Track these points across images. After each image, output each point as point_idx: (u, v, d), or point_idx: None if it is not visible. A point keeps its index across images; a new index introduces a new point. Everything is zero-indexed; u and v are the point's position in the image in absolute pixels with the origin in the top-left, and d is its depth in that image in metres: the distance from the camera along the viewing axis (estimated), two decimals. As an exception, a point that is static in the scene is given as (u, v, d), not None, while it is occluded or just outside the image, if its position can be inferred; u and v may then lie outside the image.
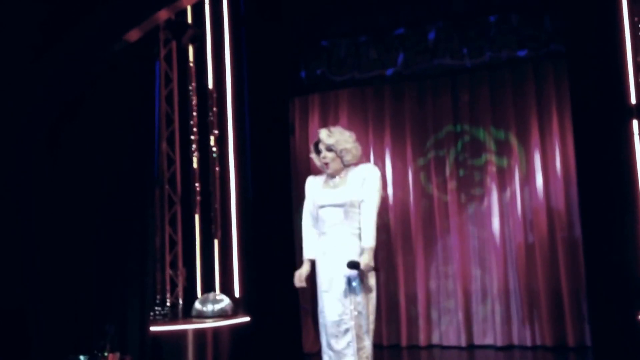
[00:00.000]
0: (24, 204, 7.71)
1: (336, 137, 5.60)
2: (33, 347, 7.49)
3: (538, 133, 8.87)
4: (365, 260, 5.28)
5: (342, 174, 5.61)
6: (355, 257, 5.32)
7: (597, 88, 6.97)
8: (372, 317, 5.47)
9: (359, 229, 5.46)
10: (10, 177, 7.60)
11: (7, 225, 7.53)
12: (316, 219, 5.63)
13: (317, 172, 5.91)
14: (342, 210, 5.49)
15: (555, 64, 8.63)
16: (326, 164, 5.61)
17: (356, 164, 5.64)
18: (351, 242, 5.46)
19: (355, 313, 5.38)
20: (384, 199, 9.25)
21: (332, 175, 5.64)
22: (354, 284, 5.37)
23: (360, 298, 5.38)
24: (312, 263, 5.62)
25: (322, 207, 5.57)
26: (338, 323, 5.41)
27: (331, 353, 5.44)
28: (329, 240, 5.54)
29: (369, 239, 5.36)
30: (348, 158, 5.61)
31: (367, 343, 5.40)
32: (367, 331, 5.40)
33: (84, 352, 6.82)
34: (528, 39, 7.92)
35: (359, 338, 5.38)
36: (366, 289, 5.40)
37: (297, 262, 8.31)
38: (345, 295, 5.39)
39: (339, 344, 5.39)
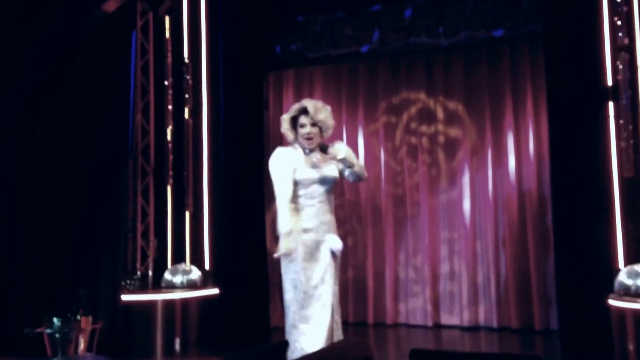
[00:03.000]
0: (1, 172, 7.77)
1: (324, 113, 5.50)
2: (7, 310, 7.56)
3: (512, 114, 8.69)
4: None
5: (317, 149, 5.50)
6: (334, 232, 5.49)
7: (573, 69, 6.86)
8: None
9: (333, 201, 5.61)
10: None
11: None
12: (294, 194, 5.47)
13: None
14: (325, 189, 5.48)
15: (531, 45, 8.47)
16: (310, 139, 5.45)
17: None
18: (330, 218, 5.52)
19: (335, 288, 5.42)
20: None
21: (309, 151, 5.50)
22: (337, 256, 5.49)
23: (336, 271, 5.47)
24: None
25: (304, 184, 5.44)
26: (317, 297, 5.35)
27: (303, 326, 5.37)
28: (309, 216, 5.45)
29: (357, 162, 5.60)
30: (327, 135, 5.57)
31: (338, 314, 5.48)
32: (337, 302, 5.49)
33: (57, 316, 6.67)
34: (505, 19, 7.64)
35: (334, 309, 5.40)
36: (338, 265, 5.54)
37: (269, 235, 7.99)
38: (326, 270, 5.38)
39: (315, 316, 5.33)
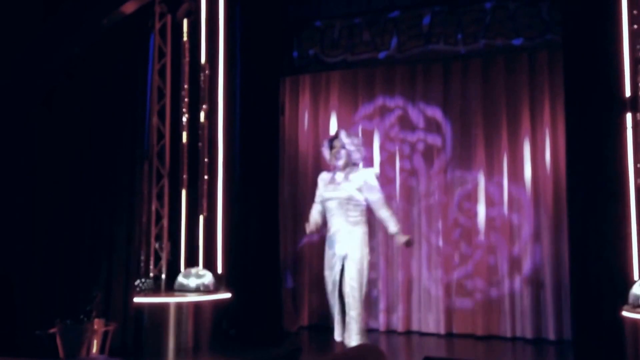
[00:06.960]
0: (16, 170, 7.85)
1: (350, 139, 6.80)
2: (19, 311, 7.59)
3: (529, 122, 8.82)
4: (401, 240, 6.74)
5: (346, 171, 6.75)
6: (352, 241, 6.55)
7: (592, 80, 6.99)
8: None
9: (357, 216, 6.65)
10: (4, 141, 7.76)
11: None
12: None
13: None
14: (337, 202, 6.65)
15: (550, 54, 8.59)
16: (338, 159, 6.78)
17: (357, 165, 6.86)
18: (347, 229, 6.58)
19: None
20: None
21: (338, 170, 6.81)
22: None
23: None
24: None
25: (326, 199, 6.76)
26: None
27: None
28: (331, 227, 6.72)
29: (393, 225, 6.70)
30: (356, 157, 6.83)
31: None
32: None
33: (70, 317, 6.75)
34: (524, 27, 7.81)
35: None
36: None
37: (281, 240, 8.12)
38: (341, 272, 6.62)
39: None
